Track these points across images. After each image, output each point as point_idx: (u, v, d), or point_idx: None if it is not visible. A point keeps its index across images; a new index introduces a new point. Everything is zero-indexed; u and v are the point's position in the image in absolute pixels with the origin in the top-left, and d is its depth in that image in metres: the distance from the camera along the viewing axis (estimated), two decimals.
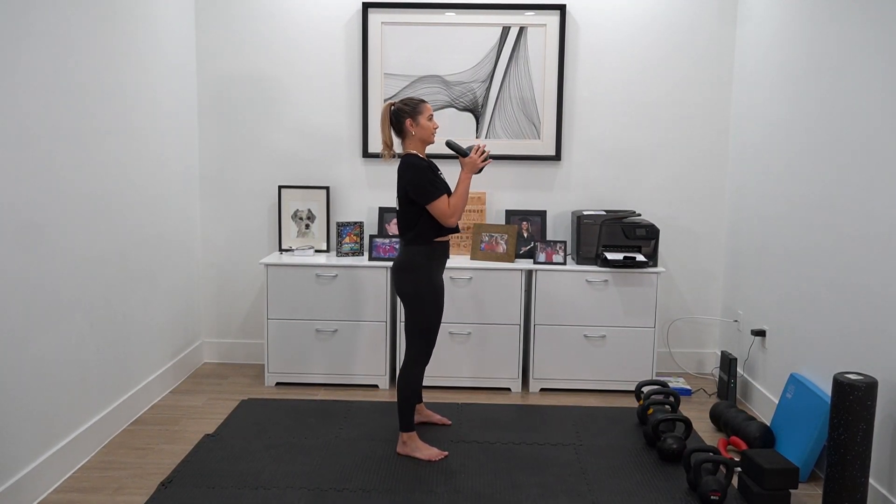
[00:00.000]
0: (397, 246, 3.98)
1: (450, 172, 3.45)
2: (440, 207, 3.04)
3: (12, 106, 2.58)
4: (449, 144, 3.20)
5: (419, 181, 3.03)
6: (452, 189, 3.15)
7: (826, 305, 3.08)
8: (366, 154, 4.27)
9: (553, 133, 4.24)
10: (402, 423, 3.15)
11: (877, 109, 2.74)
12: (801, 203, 3.33)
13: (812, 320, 3.20)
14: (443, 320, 3.74)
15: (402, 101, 3.15)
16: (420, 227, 3.09)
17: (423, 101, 3.14)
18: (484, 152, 3.15)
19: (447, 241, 3.20)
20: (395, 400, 3.83)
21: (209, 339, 4.46)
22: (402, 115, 3.11)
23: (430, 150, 3.25)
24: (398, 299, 3.36)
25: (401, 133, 3.15)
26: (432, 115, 3.16)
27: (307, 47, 4.23)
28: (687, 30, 4.18)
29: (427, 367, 3.27)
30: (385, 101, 3.16)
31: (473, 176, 3.21)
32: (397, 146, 3.20)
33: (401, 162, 3.11)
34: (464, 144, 3.21)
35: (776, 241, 3.58)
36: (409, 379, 3.13)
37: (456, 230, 3.17)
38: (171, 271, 3.97)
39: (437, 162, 3.26)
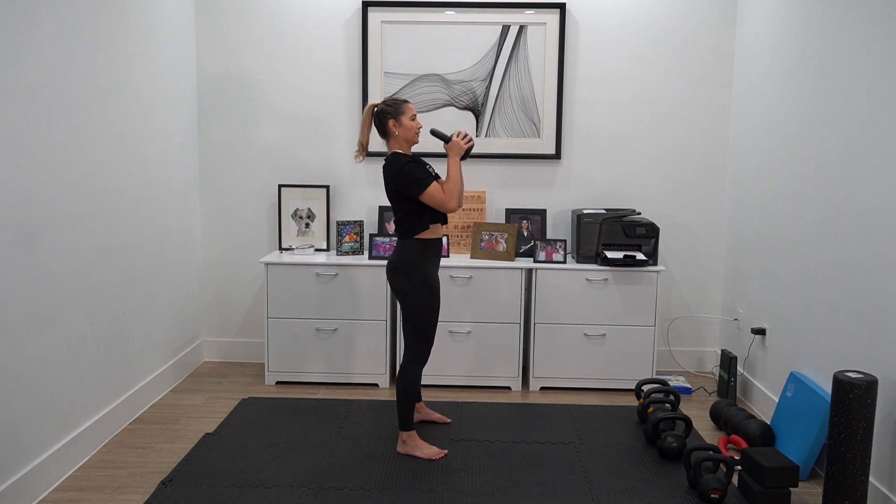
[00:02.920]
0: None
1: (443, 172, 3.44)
2: (434, 195, 3.05)
3: (12, 106, 2.58)
4: (432, 132, 3.25)
5: (406, 176, 3.04)
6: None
7: (826, 304, 3.08)
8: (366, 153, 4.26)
9: (553, 131, 4.24)
10: (402, 422, 3.15)
11: (877, 108, 2.74)
12: (800, 201, 3.33)
13: (812, 319, 3.20)
14: (443, 319, 3.76)
15: (384, 101, 3.17)
16: (409, 222, 3.11)
17: (405, 102, 3.15)
18: (466, 135, 3.18)
19: (440, 239, 3.20)
20: (395, 398, 3.84)
21: (209, 338, 4.46)
22: (385, 115, 3.12)
23: (416, 149, 3.27)
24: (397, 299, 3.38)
25: (385, 134, 3.16)
26: (415, 115, 3.16)
27: (307, 46, 4.23)
28: (687, 28, 4.18)
29: (427, 366, 3.28)
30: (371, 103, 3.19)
31: (463, 163, 3.24)
32: (376, 147, 3.21)
33: (385, 161, 3.14)
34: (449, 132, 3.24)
35: (776, 240, 3.58)
36: (408, 378, 3.13)
37: (444, 221, 3.19)
38: (172, 270, 3.97)
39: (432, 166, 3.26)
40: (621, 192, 4.30)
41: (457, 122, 4.23)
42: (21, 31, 2.62)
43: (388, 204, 4.26)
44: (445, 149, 3.18)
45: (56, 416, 2.88)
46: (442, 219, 3.17)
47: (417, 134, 3.17)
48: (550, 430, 3.44)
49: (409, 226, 3.11)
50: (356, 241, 4.11)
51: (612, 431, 3.45)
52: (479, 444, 3.27)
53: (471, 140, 3.19)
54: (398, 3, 4.15)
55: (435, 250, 3.18)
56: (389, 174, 3.09)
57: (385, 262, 3.91)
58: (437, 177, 3.16)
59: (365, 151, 3.23)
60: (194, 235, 4.29)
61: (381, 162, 4.24)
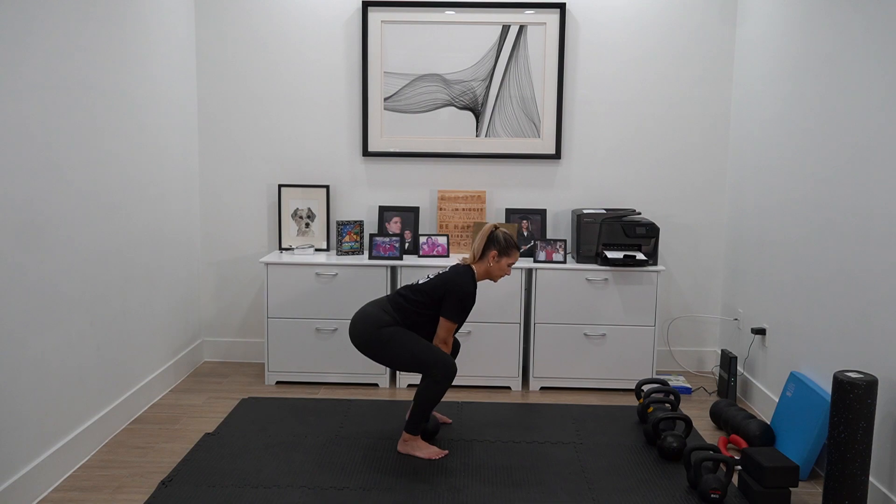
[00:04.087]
0: (396, 245, 3.98)
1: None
2: (448, 331, 3.14)
3: (12, 105, 2.58)
4: None
5: (461, 303, 3.12)
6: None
7: (826, 304, 3.08)
8: (366, 153, 4.27)
9: (553, 131, 4.24)
10: (412, 426, 3.13)
11: (877, 106, 2.74)
12: (801, 201, 3.33)
13: (812, 318, 3.20)
14: None
15: (504, 232, 3.20)
16: (414, 318, 3.14)
17: (516, 248, 3.21)
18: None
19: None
20: (395, 398, 3.84)
21: (209, 338, 4.46)
22: (495, 244, 3.17)
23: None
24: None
25: (481, 254, 3.19)
26: (514, 264, 3.26)
27: (307, 46, 4.23)
28: (687, 28, 4.18)
29: None
30: (492, 224, 3.25)
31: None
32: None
33: (460, 271, 3.17)
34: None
35: (776, 240, 3.58)
36: (433, 392, 3.07)
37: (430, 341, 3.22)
38: (172, 270, 3.97)
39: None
40: (621, 192, 4.30)
41: (457, 121, 4.23)
42: (20, 31, 2.62)
43: (388, 204, 4.28)
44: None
45: (56, 415, 2.88)
46: (427, 335, 3.19)
47: (500, 278, 3.27)
48: (550, 430, 3.44)
49: (412, 314, 3.13)
50: (356, 241, 4.11)
51: (612, 431, 3.45)
52: (479, 444, 3.27)
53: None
54: (398, 3, 4.15)
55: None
56: (451, 283, 3.12)
57: (385, 262, 3.92)
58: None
59: (473, 261, 3.22)
60: (194, 235, 4.29)
61: (381, 162, 4.28)
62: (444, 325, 3.12)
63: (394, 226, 4.25)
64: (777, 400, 3.48)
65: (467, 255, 3.29)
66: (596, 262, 3.94)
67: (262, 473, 2.95)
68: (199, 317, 4.41)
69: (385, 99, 4.23)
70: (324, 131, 4.30)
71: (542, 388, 4.03)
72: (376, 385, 4.04)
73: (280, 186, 4.26)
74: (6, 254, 2.56)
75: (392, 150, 4.27)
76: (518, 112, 4.24)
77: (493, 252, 3.16)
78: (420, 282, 3.21)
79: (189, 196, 4.20)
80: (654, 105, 4.24)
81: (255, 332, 4.43)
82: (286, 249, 4.24)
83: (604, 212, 4.04)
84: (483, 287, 3.89)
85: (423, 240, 4.09)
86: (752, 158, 3.91)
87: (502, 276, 3.24)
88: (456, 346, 3.40)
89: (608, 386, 4.00)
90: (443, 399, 3.78)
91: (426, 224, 4.32)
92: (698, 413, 3.72)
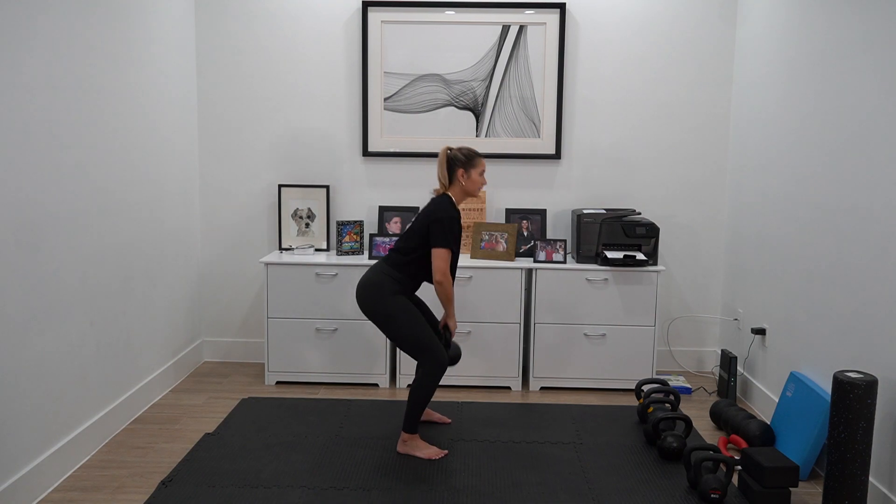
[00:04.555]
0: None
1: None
2: (441, 259, 3.10)
3: (13, 105, 2.58)
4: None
5: (447, 227, 3.09)
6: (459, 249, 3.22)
7: (826, 304, 3.08)
8: (366, 153, 4.27)
9: (553, 132, 4.24)
10: (409, 424, 3.14)
11: (877, 107, 2.74)
12: (801, 201, 3.33)
13: (812, 319, 3.20)
14: None
15: (458, 149, 3.20)
16: (414, 266, 3.15)
17: (478, 155, 3.21)
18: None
19: (417, 286, 3.25)
20: (395, 398, 3.84)
21: (209, 338, 4.46)
22: (456, 162, 3.17)
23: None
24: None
25: (450, 178, 3.20)
26: (484, 171, 3.22)
27: (307, 46, 4.23)
28: (687, 28, 4.18)
29: None
30: (445, 147, 3.23)
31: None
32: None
33: (436, 201, 3.17)
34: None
35: (776, 239, 3.58)
36: (426, 388, 3.08)
37: (430, 281, 3.22)
38: (172, 270, 3.97)
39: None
40: (621, 192, 4.30)
41: (457, 121, 4.23)
42: (20, 31, 2.62)
43: (388, 203, 4.28)
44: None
45: (56, 415, 2.88)
46: (430, 278, 3.20)
47: (479, 189, 3.23)
48: (550, 430, 3.44)
49: (413, 263, 3.14)
50: (356, 241, 4.11)
51: (612, 431, 3.45)
52: (479, 444, 3.27)
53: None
54: (398, 3, 4.15)
55: (410, 291, 3.21)
56: (432, 214, 3.11)
57: None
58: (458, 243, 3.20)
59: (446, 189, 3.23)
60: (194, 235, 4.29)
61: (381, 161, 4.28)
62: (436, 254, 3.09)
63: (394, 226, 4.25)
64: (777, 400, 3.48)
65: (437, 187, 3.27)
66: (596, 262, 3.94)
67: (262, 473, 2.95)
68: (199, 317, 4.41)
69: (385, 99, 4.23)
70: (324, 131, 4.30)
71: (542, 388, 4.03)
72: (376, 385, 4.04)
73: (280, 186, 4.26)
74: (6, 254, 2.56)
75: (392, 150, 4.27)
76: (518, 112, 4.24)
77: (459, 170, 3.16)
78: (405, 229, 3.22)
79: (189, 196, 4.20)
80: (654, 105, 4.24)
81: (255, 332, 4.43)
82: (286, 249, 4.24)
83: (604, 212, 4.04)
84: (483, 287, 3.90)
85: None
86: (752, 158, 3.91)
87: (480, 186, 3.21)
88: (456, 351, 3.37)
89: (608, 386, 4.00)
90: (443, 399, 3.80)
91: None
92: (698, 413, 3.72)
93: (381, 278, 3.13)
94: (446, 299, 3.17)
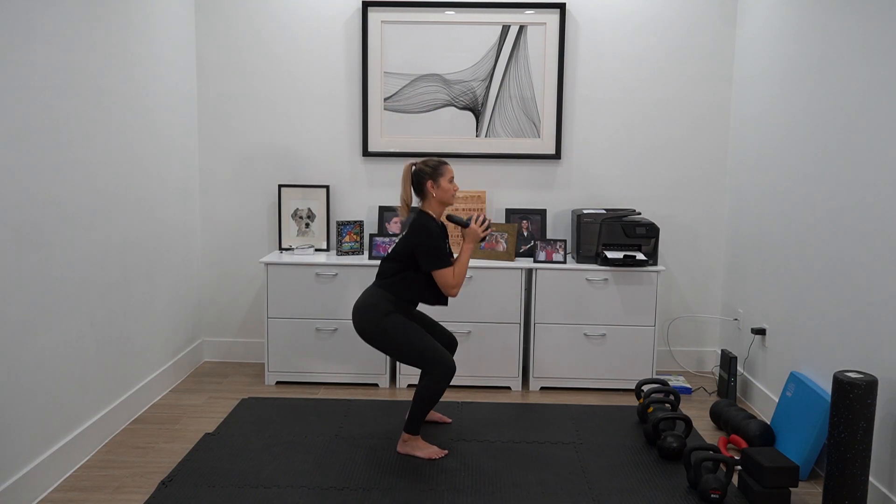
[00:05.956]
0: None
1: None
2: (445, 277, 3.08)
3: (12, 105, 2.58)
4: (449, 218, 3.27)
5: (430, 247, 3.06)
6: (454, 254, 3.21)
7: (826, 304, 3.08)
8: (366, 153, 4.27)
9: (553, 132, 4.24)
10: (411, 425, 3.13)
11: (876, 107, 2.74)
12: (801, 201, 3.33)
13: (812, 318, 3.21)
14: (443, 319, 3.76)
15: (423, 161, 3.17)
16: (403, 286, 3.12)
17: (443, 163, 3.16)
18: (485, 220, 3.21)
19: (416, 303, 3.23)
20: (395, 398, 3.84)
21: (209, 338, 4.46)
22: (423, 175, 3.13)
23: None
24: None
25: (421, 193, 3.16)
26: (453, 178, 3.18)
27: (307, 46, 4.23)
28: (687, 28, 4.18)
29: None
30: (409, 163, 3.19)
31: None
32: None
33: (414, 219, 3.12)
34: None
35: (776, 240, 3.58)
36: (432, 391, 3.06)
37: (444, 303, 3.21)
38: (172, 270, 3.97)
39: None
40: (621, 192, 4.30)
41: (456, 121, 4.24)
42: (20, 30, 2.62)
43: (388, 204, 4.28)
44: (462, 234, 3.21)
45: (56, 415, 2.88)
46: (444, 301, 3.18)
47: (454, 196, 3.18)
48: (550, 430, 3.44)
49: (400, 283, 3.11)
50: (356, 241, 4.11)
51: (612, 431, 3.45)
52: (479, 444, 3.27)
53: (489, 227, 3.22)
54: (398, 3, 4.15)
55: (406, 311, 3.18)
56: (413, 233, 3.08)
57: None
58: (451, 254, 3.18)
59: (408, 209, 3.21)
60: (194, 235, 4.29)
61: (381, 161, 4.28)
62: (437, 276, 3.08)
63: (394, 226, 4.25)
64: (777, 400, 3.48)
65: (412, 206, 3.22)
66: (596, 262, 3.94)
67: (262, 473, 2.95)
68: (199, 317, 4.41)
69: (385, 99, 4.23)
70: (324, 131, 4.30)
71: (542, 388, 4.03)
72: (376, 385, 4.04)
73: (280, 186, 4.26)
74: (6, 253, 2.56)
75: (392, 150, 4.27)
76: (518, 112, 4.24)
77: (428, 182, 3.12)
78: (389, 250, 3.21)
79: (189, 196, 4.20)
80: (654, 105, 4.24)
81: (255, 332, 4.43)
82: (286, 249, 4.24)
83: (604, 212, 4.04)
84: (483, 287, 3.90)
85: None
86: (751, 158, 3.91)
87: (453, 193, 3.16)
88: (453, 344, 3.37)
89: (608, 386, 4.00)
90: (443, 399, 3.79)
91: None
92: (698, 413, 3.72)
93: (375, 300, 3.11)
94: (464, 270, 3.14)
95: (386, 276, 3.14)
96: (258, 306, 4.41)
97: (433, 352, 3.05)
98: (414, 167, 3.16)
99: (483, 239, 3.22)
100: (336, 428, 3.43)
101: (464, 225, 3.21)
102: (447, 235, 3.21)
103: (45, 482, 2.79)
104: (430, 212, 3.16)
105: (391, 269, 3.13)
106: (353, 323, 3.15)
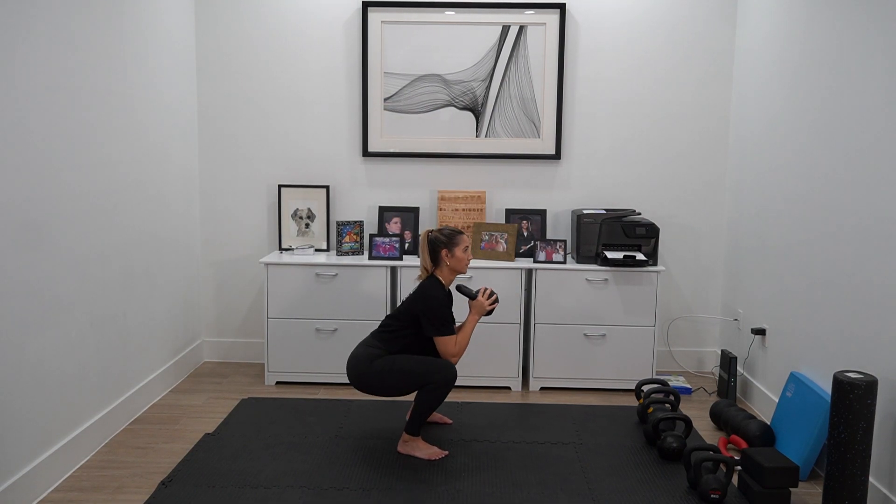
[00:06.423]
0: (396, 245, 3.98)
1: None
2: (447, 345, 3.12)
3: (12, 105, 2.58)
4: (458, 288, 3.34)
5: (437, 314, 3.11)
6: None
7: (826, 304, 3.08)
8: (366, 153, 4.27)
9: (553, 132, 4.24)
10: (412, 426, 3.14)
11: (877, 106, 2.74)
12: (801, 201, 3.33)
13: (812, 319, 3.21)
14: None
15: (439, 230, 3.21)
16: (400, 341, 3.15)
17: (459, 233, 3.20)
18: (492, 294, 3.25)
19: None
20: (394, 398, 3.83)
21: (209, 338, 4.46)
22: (439, 244, 3.17)
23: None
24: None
25: (435, 260, 3.20)
26: (468, 247, 3.22)
27: (307, 46, 4.23)
28: (686, 29, 4.18)
29: None
30: (427, 230, 3.25)
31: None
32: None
33: (423, 283, 3.18)
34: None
35: (776, 240, 3.58)
36: (435, 396, 3.08)
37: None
38: (171, 270, 3.97)
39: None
40: (621, 192, 4.30)
41: (456, 122, 4.23)
42: (20, 30, 2.62)
43: (388, 204, 4.28)
44: (470, 305, 3.26)
45: (56, 415, 2.88)
46: (419, 352, 3.20)
47: (467, 266, 3.23)
48: (550, 431, 3.44)
49: (396, 338, 3.15)
50: (356, 242, 4.11)
51: (612, 431, 3.45)
52: (479, 444, 3.27)
53: (496, 301, 3.26)
54: (398, 3, 4.15)
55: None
56: (419, 297, 3.13)
57: (385, 262, 3.92)
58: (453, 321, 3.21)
59: (428, 274, 3.22)
60: (194, 235, 4.29)
61: (381, 162, 4.28)
62: (439, 343, 3.13)
63: (394, 226, 4.25)
64: (777, 400, 3.48)
65: (420, 273, 3.27)
66: (596, 263, 3.94)
67: (262, 474, 2.95)
68: (199, 317, 4.41)
69: (385, 99, 4.23)
70: (324, 132, 4.30)
71: (542, 389, 4.03)
72: None
73: (280, 187, 4.26)
74: (6, 254, 2.56)
75: (392, 150, 4.27)
76: (518, 112, 4.24)
77: (443, 251, 3.16)
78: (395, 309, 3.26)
79: (189, 196, 4.20)
80: (655, 105, 4.24)
81: (255, 332, 4.43)
82: (286, 250, 4.24)
83: (604, 212, 4.04)
84: (483, 286, 3.89)
85: None
86: (752, 159, 3.91)
87: (466, 263, 3.21)
88: None
89: (608, 386, 4.00)
90: None
91: (426, 224, 4.32)
92: (698, 413, 3.72)
93: (371, 351, 3.14)
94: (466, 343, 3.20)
95: (386, 329, 3.19)
96: (258, 306, 4.41)
97: (431, 366, 3.07)
98: (431, 234, 3.20)
99: (489, 313, 3.26)
100: (336, 428, 3.43)
101: (471, 297, 3.26)
102: (451, 302, 3.23)
103: (45, 482, 2.79)
104: (442, 278, 3.20)
105: (392, 325, 3.19)
106: (348, 373, 3.17)
